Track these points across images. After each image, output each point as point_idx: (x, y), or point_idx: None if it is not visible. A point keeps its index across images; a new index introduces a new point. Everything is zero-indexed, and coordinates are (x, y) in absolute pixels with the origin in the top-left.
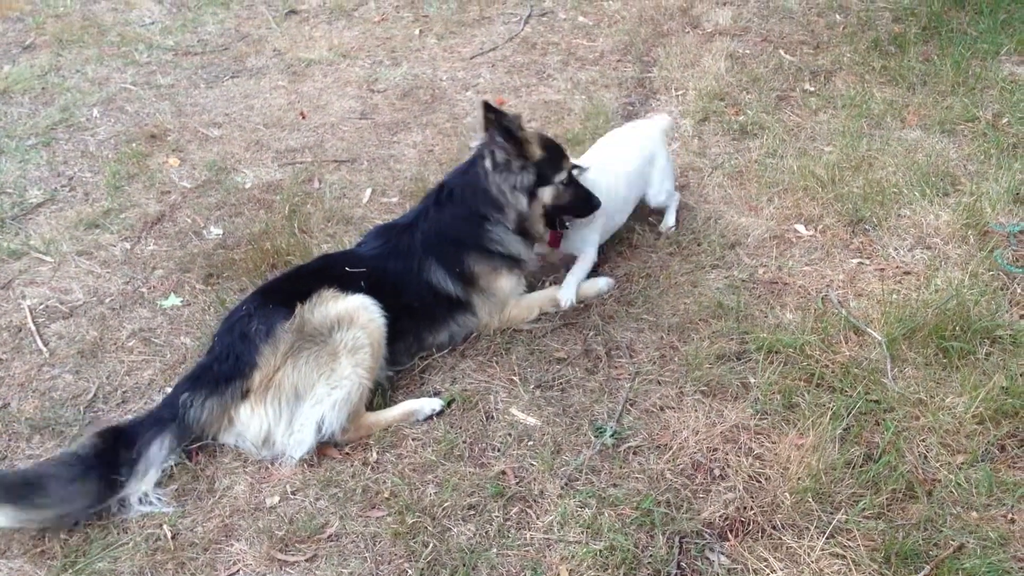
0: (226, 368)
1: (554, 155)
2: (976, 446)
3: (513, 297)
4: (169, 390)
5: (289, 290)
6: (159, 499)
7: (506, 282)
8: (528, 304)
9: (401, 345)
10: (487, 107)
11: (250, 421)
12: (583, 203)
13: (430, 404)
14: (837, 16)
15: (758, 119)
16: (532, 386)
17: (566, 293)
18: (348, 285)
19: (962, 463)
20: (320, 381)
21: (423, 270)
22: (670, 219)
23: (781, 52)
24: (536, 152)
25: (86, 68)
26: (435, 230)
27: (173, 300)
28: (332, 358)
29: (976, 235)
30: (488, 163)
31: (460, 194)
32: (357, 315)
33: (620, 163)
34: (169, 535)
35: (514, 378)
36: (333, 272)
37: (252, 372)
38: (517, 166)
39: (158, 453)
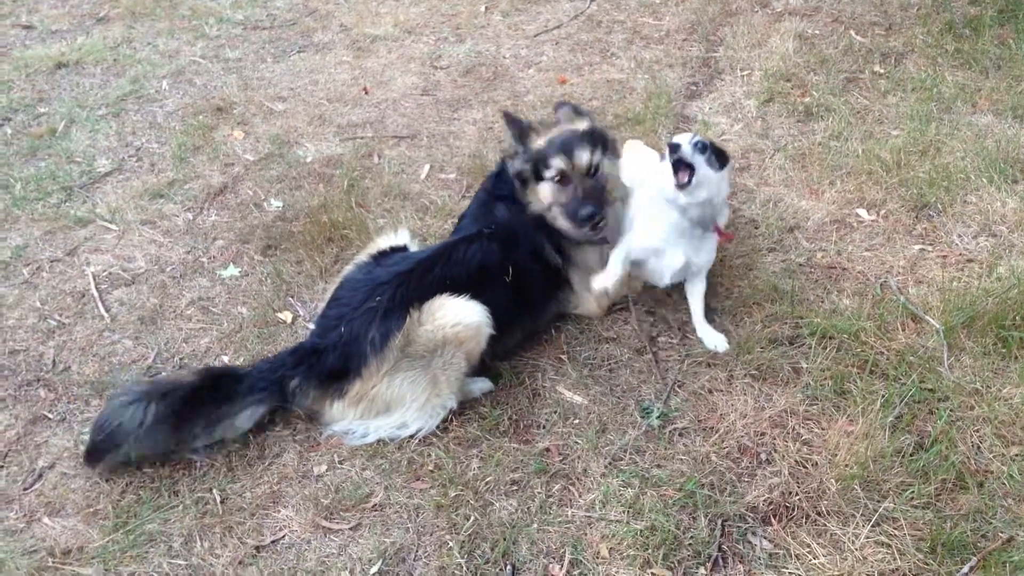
0: (336, 362)
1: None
2: None
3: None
4: (225, 359)
5: (422, 286)
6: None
7: (591, 254)
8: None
9: (509, 340)
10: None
11: (338, 415)
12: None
13: (483, 387)
14: None
15: (824, 101)
16: (580, 365)
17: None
18: (476, 285)
19: (1016, 455)
20: (413, 406)
21: (529, 242)
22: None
23: (852, 33)
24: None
25: (157, 41)
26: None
27: (232, 270)
28: (432, 384)
29: None
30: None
31: None
32: (465, 337)
33: None
34: (218, 499)
35: (562, 356)
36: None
37: (355, 380)
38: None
39: (242, 424)
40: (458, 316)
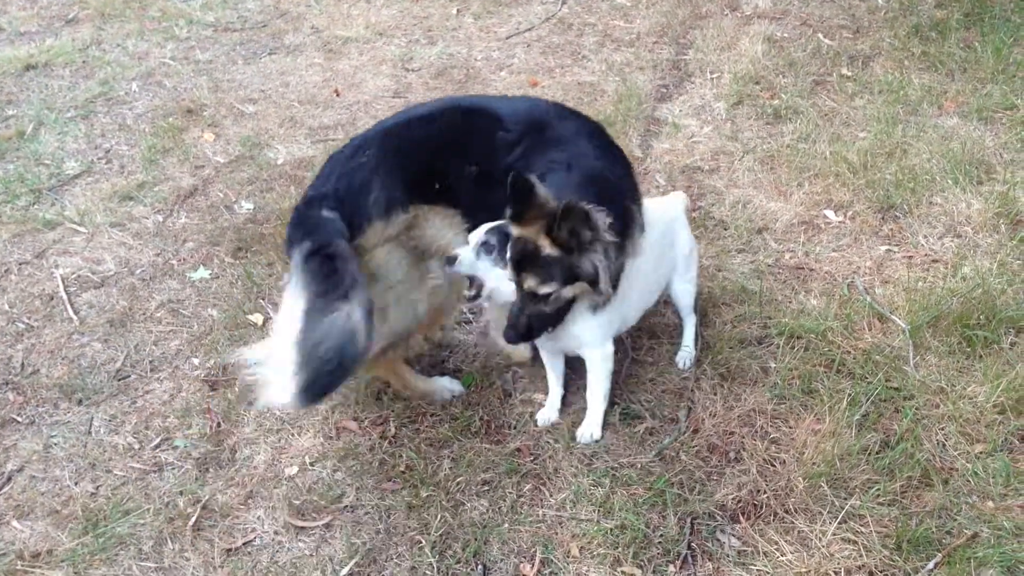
0: (343, 214)
1: None
2: (995, 435)
3: None
4: (195, 362)
5: (416, 159)
6: None
7: None
8: None
9: None
10: None
11: None
12: None
13: (451, 387)
14: (879, 0)
15: (793, 103)
16: None
17: (589, 429)
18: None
19: (980, 452)
20: (396, 288)
21: None
22: (688, 338)
23: (820, 36)
24: None
25: (127, 42)
26: None
27: (202, 273)
28: (421, 282)
29: (1008, 224)
30: None
31: None
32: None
33: None
34: (189, 501)
35: (534, 357)
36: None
37: (359, 236)
38: None
39: None
40: (453, 227)
